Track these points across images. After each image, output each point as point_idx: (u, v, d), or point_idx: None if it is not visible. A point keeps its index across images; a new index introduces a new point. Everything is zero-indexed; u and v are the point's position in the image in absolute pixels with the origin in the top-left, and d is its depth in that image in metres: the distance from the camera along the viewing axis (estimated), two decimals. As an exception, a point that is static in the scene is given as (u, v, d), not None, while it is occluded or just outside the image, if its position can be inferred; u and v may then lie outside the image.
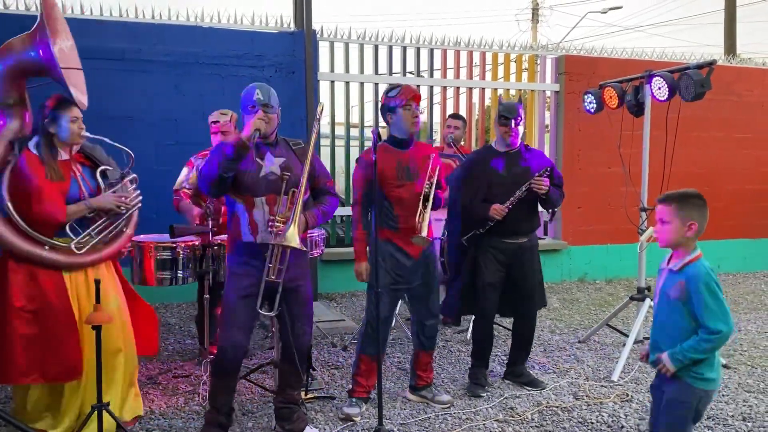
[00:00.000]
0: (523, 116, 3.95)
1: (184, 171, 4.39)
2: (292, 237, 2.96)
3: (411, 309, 3.84)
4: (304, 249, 3.14)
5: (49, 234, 3.10)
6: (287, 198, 3.10)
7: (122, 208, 3.29)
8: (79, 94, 3.13)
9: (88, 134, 3.21)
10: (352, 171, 3.81)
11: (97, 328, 2.91)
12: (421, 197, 3.51)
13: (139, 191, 3.42)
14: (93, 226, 3.22)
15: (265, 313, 3.12)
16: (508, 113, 3.93)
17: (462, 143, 5.58)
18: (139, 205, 3.42)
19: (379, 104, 3.73)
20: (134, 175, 3.42)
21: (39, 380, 3.10)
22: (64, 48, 3.14)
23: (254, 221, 3.09)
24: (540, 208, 4.14)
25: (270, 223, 3.05)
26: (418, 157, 3.65)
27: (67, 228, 3.13)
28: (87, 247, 3.16)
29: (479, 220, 3.88)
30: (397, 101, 3.57)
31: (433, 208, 3.55)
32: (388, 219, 3.58)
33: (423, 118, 3.74)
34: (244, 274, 3.12)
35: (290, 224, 2.98)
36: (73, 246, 3.10)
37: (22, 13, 5.66)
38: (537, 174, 3.87)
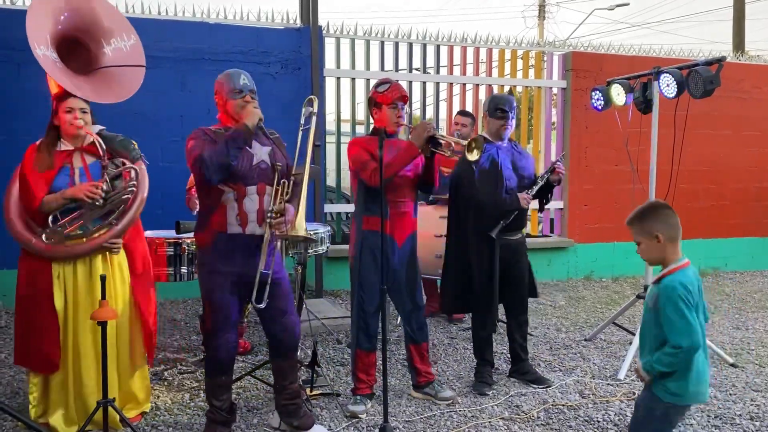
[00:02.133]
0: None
1: None
2: (300, 226, 2.93)
3: (396, 302, 3.75)
4: (314, 239, 3.10)
5: (42, 223, 3.12)
6: (279, 189, 3.06)
7: (96, 200, 3.10)
8: (89, 87, 3.25)
9: (83, 126, 3.17)
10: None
11: (103, 324, 2.91)
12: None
13: (133, 183, 3.22)
14: (66, 218, 3.12)
15: (257, 306, 3.06)
16: (505, 106, 3.90)
17: (469, 140, 5.56)
18: (127, 197, 3.19)
19: (368, 96, 3.69)
20: (133, 167, 3.26)
21: (25, 365, 3.24)
22: (123, 47, 3.42)
23: (244, 212, 3.03)
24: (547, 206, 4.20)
25: (269, 216, 3.02)
26: (402, 145, 3.63)
27: (50, 219, 3.10)
28: (54, 238, 3.09)
29: (507, 211, 3.85)
30: (384, 98, 3.54)
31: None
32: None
33: (406, 120, 3.66)
34: (227, 271, 3.05)
35: (295, 214, 2.96)
36: (43, 237, 3.09)
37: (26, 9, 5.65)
38: (556, 159, 3.99)
